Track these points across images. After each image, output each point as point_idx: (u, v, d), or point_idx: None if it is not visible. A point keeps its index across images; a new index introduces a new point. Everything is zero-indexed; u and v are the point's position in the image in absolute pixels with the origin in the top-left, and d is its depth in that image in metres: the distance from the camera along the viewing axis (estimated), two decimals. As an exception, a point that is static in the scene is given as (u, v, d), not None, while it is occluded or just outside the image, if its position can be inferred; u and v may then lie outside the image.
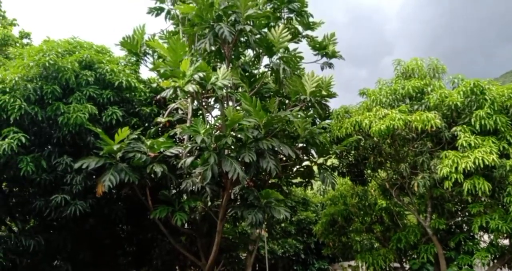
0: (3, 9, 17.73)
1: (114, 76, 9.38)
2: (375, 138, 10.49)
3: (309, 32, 10.76)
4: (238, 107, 9.86)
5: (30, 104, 8.54)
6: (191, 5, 9.02)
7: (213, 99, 10.56)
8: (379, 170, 12.13)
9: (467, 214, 11.14)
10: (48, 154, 8.87)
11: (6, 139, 8.01)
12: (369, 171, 12.17)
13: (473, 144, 9.31)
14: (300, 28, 10.69)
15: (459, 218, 11.74)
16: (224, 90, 9.04)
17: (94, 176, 9.13)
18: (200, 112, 10.84)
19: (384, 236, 13.28)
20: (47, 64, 8.70)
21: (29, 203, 9.40)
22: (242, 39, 9.60)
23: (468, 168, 9.04)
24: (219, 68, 9.14)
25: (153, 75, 10.95)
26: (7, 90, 8.46)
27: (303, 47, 10.81)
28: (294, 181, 12.45)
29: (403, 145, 10.91)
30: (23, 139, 8.14)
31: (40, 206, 8.98)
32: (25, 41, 15.90)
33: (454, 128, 9.83)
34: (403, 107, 10.13)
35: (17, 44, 14.07)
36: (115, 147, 8.50)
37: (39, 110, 8.62)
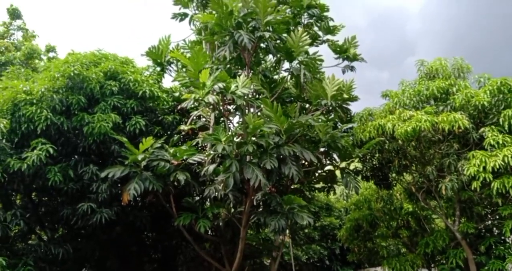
0: (25, 21, 18.42)
1: (138, 86, 9.57)
2: (399, 141, 10.27)
3: (329, 37, 10.71)
4: (259, 113, 9.87)
5: (56, 115, 8.78)
6: (210, 13, 9.11)
7: (234, 106, 10.62)
8: (404, 174, 11.87)
9: (497, 217, 10.76)
10: (74, 164, 9.09)
11: (35, 151, 8.24)
12: (393, 175, 11.92)
13: (501, 143, 9.01)
14: (320, 33, 10.66)
15: (489, 222, 11.35)
16: (245, 98, 9.07)
17: (119, 184, 9.30)
18: (222, 118, 10.89)
19: (411, 241, 12.96)
20: (72, 75, 8.97)
21: (58, 212, 9.63)
22: (262, 45, 9.63)
23: (497, 167, 8.74)
24: (239, 75, 9.19)
25: (177, 83, 11.11)
26: (34, 101, 8.72)
27: (324, 51, 10.78)
28: (317, 186, 12.32)
29: (429, 147, 10.65)
30: (51, 150, 8.37)
31: (68, 214, 9.19)
32: (51, 54, 16.44)
33: (482, 129, 9.54)
34: (429, 109, 9.90)
35: (43, 57, 14.54)
36: (140, 156, 8.64)
37: (65, 120, 8.85)
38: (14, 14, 17.80)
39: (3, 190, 8.97)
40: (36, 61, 11.36)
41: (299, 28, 9.73)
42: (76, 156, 9.29)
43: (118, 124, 9.11)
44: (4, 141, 8.41)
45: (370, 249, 13.75)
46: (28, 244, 10.34)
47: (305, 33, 9.37)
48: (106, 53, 10.42)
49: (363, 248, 13.80)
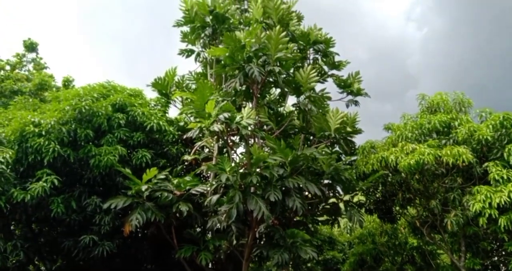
0: (39, 54, 18.93)
1: (146, 119, 9.71)
2: (402, 174, 10.28)
3: (334, 71, 11.00)
4: (263, 145, 9.95)
5: (63, 147, 8.87)
6: (222, 47, 9.38)
7: (238, 136, 10.74)
8: (408, 207, 11.78)
9: (503, 253, 10.58)
10: (78, 195, 9.08)
11: (40, 182, 8.27)
12: (397, 208, 11.84)
13: (506, 178, 9.02)
14: (326, 67, 10.95)
15: (496, 258, 11.13)
16: (250, 128, 9.18)
17: (121, 216, 9.24)
18: (226, 149, 10.97)
19: (416, 277, 12.68)
20: (83, 110, 9.13)
21: (58, 243, 9.51)
22: (270, 79, 9.87)
23: (503, 203, 8.70)
24: (244, 107, 9.34)
25: (182, 114, 11.27)
26: (43, 133, 8.83)
27: (327, 83, 11.06)
28: (320, 218, 12.20)
29: (433, 181, 10.64)
30: (56, 182, 8.39)
31: (69, 246, 9.07)
32: (56, 84, 16.70)
33: (486, 164, 9.57)
34: (431, 142, 9.98)
35: (54, 89, 14.81)
36: (143, 187, 8.65)
37: (72, 152, 8.92)
38: (30, 47, 18.33)
39: (5, 220, 8.91)
40: (46, 93, 11.59)
41: (306, 63, 10.01)
42: (80, 187, 9.28)
43: (124, 157, 9.17)
44: (9, 171, 8.42)
45: (375, 285, 13.42)
46: (26, 275, 10.15)
47: (314, 70, 9.62)
48: (115, 84, 10.66)
49: (367, 283, 13.47)
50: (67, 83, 14.73)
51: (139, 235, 10.69)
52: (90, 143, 9.12)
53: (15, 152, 8.54)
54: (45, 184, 8.26)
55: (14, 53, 18.58)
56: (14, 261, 9.20)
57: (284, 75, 9.53)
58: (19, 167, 8.87)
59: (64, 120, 9.23)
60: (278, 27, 9.18)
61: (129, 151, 9.43)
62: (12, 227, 9.74)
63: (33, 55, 18.69)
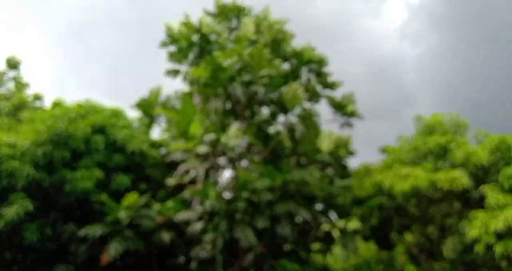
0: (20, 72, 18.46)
1: (127, 142, 9.19)
2: (398, 199, 9.84)
3: (328, 90, 10.73)
4: (251, 167, 9.50)
5: (38, 170, 8.38)
6: (204, 67, 9.06)
7: (225, 158, 10.28)
8: (405, 233, 11.30)
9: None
10: (53, 221, 8.56)
11: (14, 207, 7.77)
12: (394, 234, 11.34)
13: (501, 203, 8.66)
14: (319, 87, 10.69)
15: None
16: (236, 150, 8.77)
17: (99, 244, 8.67)
18: (211, 172, 10.51)
19: (415, 306, 12.07)
20: (59, 131, 8.66)
21: (32, 271, 8.92)
22: (256, 98, 9.52)
23: (499, 229, 8.32)
24: (230, 127, 8.95)
25: (165, 136, 10.84)
26: (18, 155, 8.35)
27: (321, 105, 10.84)
28: (313, 247, 11.63)
29: (429, 206, 10.20)
30: (30, 207, 7.89)
31: (43, 276, 8.48)
32: (37, 103, 16.22)
33: (482, 187, 9.19)
34: (427, 165, 9.59)
35: (31, 107, 14.32)
36: (123, 214, 8.14)
37: (47, 176, 8.44)
38: (13, 65, 17.86)
39: (-24, 247, 8.34)
40: (25, 113, 11.15)
41: (299, 83, 9.74)
42: (55, 213, 8.74)
43: (102, 181, 8.66)
44: (-19, 195, 7.91)
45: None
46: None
47: (301, 88, 9.32)
48: (94, 104, 10.18)
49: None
50: (37, 98, 14.30)
51: (119, 264, 10.06)
52: (66, 167, 8.61)
53: (-12, 176, 8.03)
54: (19, 211, 7.75)
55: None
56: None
57: (272, 93, 9.20)
58: (-8, 190, 8.35)
59: (40, 142, 8.73)
60: (259, 45, 8.94)
61: (108, 174, 8.90)
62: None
63: (14, 73, 18.21)
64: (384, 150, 11.20)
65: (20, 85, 15.98)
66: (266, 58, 8.73)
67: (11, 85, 16.26)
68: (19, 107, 13.45)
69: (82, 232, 8.10)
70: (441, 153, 10.20)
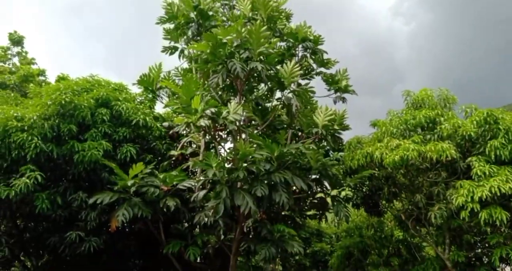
0: (24, 47, 18.61)
1: (132, 114, 9.62)
2: (388, 169, 10.38)
3: (323, 69, 11.02)
4: (250, 140, 9.95)
5: (46, 142, 8.76)
6: (204, 43, 9.30)
7: (225, 132, 10.71)
8: (394, 201, 11.92)
9: (486, 245, 10.78)
10: (63, 190, 9.02)
11: (23, 178, 8.18)
12: (384, 202, 11.97)
13: (488, 173, 9.15)
14: (314, 65, 10.96)
15: (479, 250, 11.35)
16: (236, 124, 9.16)
17: (107, 211, 9.19)
18: (213, 145, 10.96)
19: (402, 269, 12.86)
20: (64, 102, 9.00)
21: (43, 238, 9.44)
22: (254, 74, 9.83)
23: (484, 197, 8.85)
24: (230, 102, 9.32)
25: (168, 109, 11.20)
26: (26, 128, 8.71)
27: (316, 81, 11.11)
28: (308, 213, 12.30)
29: (418, 176, 10.75)
30: (39, 178, 8.31)
31: (55, 242, 9.02)
32: (41, 78, 16.48)
33: (469, 159, 9.70)
34: (416, 138, 10.07)
35: (35, 82, 14.57)
36: (129, 182, 8.61)
37: (55, 148, 8.83)
38: (16, 40, 17.95)
39: (-11, 216, 8.81)
40: (31, 84, 11.42)
41: (294, 60, 9.98)
42: (65, 183, 9.21)
43: (109, 152, 9.10)
44: (-8, 166, 8.32)
45: (361, 277, 13.61)
46: (11, 271, 10.09)
47: (297, 65, 9.60)
48: (99, 79, 10.52)
49: (354, 276, 13.65)
50: (40, 73, 14.54)
51: (126, 230, 10.66)
52: (74, 138, 9.01)
53: (-1, 148, 8.42)
54: (28, 180, 8.17)
55: (-1, 46, 18.25)
56: (-1, 257, 9.13)
57: (269, 71, 9.49)
58: (2, 162, 8.76)
59: (47, 115, 9.10)
60: (258, 21, 9.13)
61: (114, 146, 9.34)
62: (-4, 223, 9.64)
63: (18, 48, 18.36)
64: (374, 124, 11.64)
65: (25, 61, 16.13)
66: (265, 35, 8.98)
67: (15, 61, 16.40)
68: (24, 81, 13.68)
69: (92, 199, 8.57)
70: (430, 126, 10.68)
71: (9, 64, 17.94)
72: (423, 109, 10.84)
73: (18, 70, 16.42)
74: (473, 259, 11.46)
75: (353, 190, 11.60)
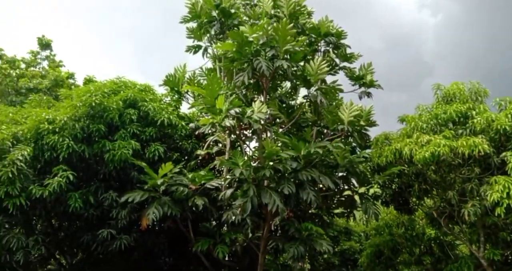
0: (53, 51, 19.26)
1: (157, 114, 9.79)
2: (419, 165, 10.12)
3: (346, 64, 10.84)
4: (275, 138, 9.92)
5: (77, 143, 9.03)
6: (229, 42, 9.33)
7: (250, 130, 10.72)
8: (425, 198, 11.62)
9: (524, 243, 10.37)
10: (95, 190, 9.26)
11: (56, 178, 8.45)
12: (414, 199, 11.68)
13: (524, 168, 8.80)
14: (337, 60, 10.80)
15: (516, 248, 10.92)
16: (261, 122, 9.15)
17: (137, 210, 9.38)
18: (238, 143, 10.99)
19: (435, 268, 12.54)
20: (94, 104, 9.26)
21: (77, 237, 9.73)
22: (280, 72, 9.79)
23: (520, 193, 8.54)
24: (255, 101, 9.32)
25: (194, 109, 11.34)
26: (57, 130, 8.99)
27: (339, 76, 10.92)
28: (336, 211, 12.16)
29: (449, 172, 10.44)
30: (71, 177, 8.56)
31: (88, 240, 9.28)
32: (70, 81, 17.01)
33: (503, 154, 9.34)
34: (447, 133, 9.78)
35: (65, 85, 15.07)
36: (159, 181, 8.76)
37: (86, 148, 9.08)
38: (44, 44, 18.65)
39: (25, 216, 9.13)
40: (61, 89, 11.84)
41: (316, 56, 9.86)
42: (96, 182, 9.45)
43: (138, 151, 9.29)
44: (27, 168, 8.62)
45: (392, 276, 13.35)
46: (48, 269, 10.44)
47: (324, 62, 9.48)
48: (126, 80, 10.75)
49: (385, 275, 13.40)
50: (88, 82, 14.98)
51: (156, 228, 10.84)
52: (104, 138, 9.26)
53: (32, 150, 8.72)
54: (61, 179, 8.44)
55: (28, 50, 18.98)
56: (36, 256, 9.47)
57: (294, 68, 9.42)
58: (36, 164, 9.07)
59: (77, 117, 9.38)
60: (284, 19, 9.06)
61: (142, 146, 9.54)
62: (32, 223, 9.98)
63: (47, 52, 19.02)
64: (402, 119, 11.36)
65: (54, 64, 16.68)
66: (291, 33, 8.90)
67: (44, 65, 17.00)
68: (54, 84, 14.16)
69: (123, 198, 8.76)
70: (461, 121, 10.34)
71: (39, 68, 18.64)
72: (454, 103, 10.51)
73: (48, 73, 17.03)
74: (510, 257, 11.06)
75: (381, 188, 11.37)
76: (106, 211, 9.20)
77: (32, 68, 18.57)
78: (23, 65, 18.63)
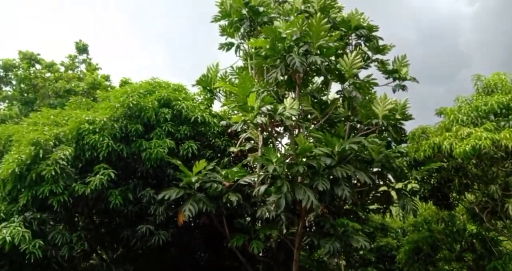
0: (89, 55, 20.00)
1: (190, 112, 9.99)
2: (459, 159, 9.77)
3: (379, 56, 10.60)
4: (308, 134, 9.86)
5: (116, 142, 9.34)
6: (262, 39, 9.33)
7: (282, 127, 10.70)
8: (465, 193, 11.22)
9: None
10: (133, 187, 9.55)
11: (97, 176, 8.77)
12: (454, 195, 11.30)
13: None
14: (369, 52, 10.58)
15: None
16: (293, 118, 9.12)
17: (173, 206, 9.62)
18: (270, 140, 11.01)
19: (477, 265, 12.11)
20: (131, 105, 9.55)
21: (117, 233, 10.08)
22: (313, 67, 9.71)
23: None
24: (286, 97, 9.29)
25: (226, 107, 11.47)
26: (97, 130, 9.34)
27: (371, 69, 10.70)
28: (371, 207, 11.95)
29: (491, 165, 10.03)
30: (112, 175, 8.86)
31: (128, 236, 9.60)
32: (106, 83, 17.61)
33: (551, 145, 8.85)
34: (488, 125, 9.38)
35: (101, 87, 15.64)
36: (193, 179, 8.93)
37: (124, 147, 9.38)
38: (81, 48, 19.43)
39: (69, 213, 9.55)
40: (98, 91, 12.30)
41: (347, 49, 9.70)
42: (134, 180, 9.75)
43: (173, 149, 9.50)
44: (69, 167, 9.00)
45: (432, 273, 13.00)
46: (90, 264, 10.88)
47: (358, 56, 9.32)
48: (160, 81, 11.01)
49: (424, 272, 13.06)
50: (125, 84, 15.51)
51: (192, 225, 11.06)
52: (141, 138, 9.53)
53: (74, 150, 9.09)
54: (102, 177, 8.76)
55: (66, 55, 19.81)
56: (79, 251, 9.89)
57: (326, 63, 9.31)
58: (78, 163, 9.45)
59: (115, 117, 9.70)
60: (319, 14, 8.95)
61: (176, 144, 9.77)
62: (75, 219, 10.43)
63: (84, 56, 19.78)
64: (440, 112, 11.00)
65: (91, 67, 17.32)
66: (325, 28, 8.79)
67: (82, 68, 17.69)
68: (91, 87, 14.73)
69: (160, 196, 9.00)
70: (504, 112, 9.90)
71: (77, 72, 19.41)
72: (495, 94, 10.08)
73: (85, 76, 17.72)
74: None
75: (419, 183, 11.07)
76: (144, 208, 9.48)
77: (70, 71, 19.36)
78: (62, 69, 19.48)
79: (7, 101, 18.56)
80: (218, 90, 11.07)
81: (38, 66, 19.04)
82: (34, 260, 8.01)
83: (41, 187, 8.49)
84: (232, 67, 11.27)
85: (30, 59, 18.74)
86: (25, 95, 18.41)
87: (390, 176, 10.07)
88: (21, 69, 18.66)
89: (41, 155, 8.64)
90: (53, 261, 9.12)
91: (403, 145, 10.58)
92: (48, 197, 8.54)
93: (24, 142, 8.84)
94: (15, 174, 8.49)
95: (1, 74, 18.73)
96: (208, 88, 10.94)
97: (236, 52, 11.27)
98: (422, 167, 9.75)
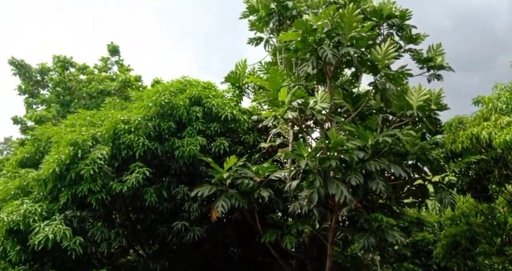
0: (121, 57, 20.51)
1: (220, 109, 10.09)
2: (498, 150, 9.38)
3: (412, 46, 10.31)
4: (339, 127, 9.73)
5: (150, 141, 9.56)
6: (292, 32, 9.24)
7: (312, 121, 10.60)
8: (506, 185, 10.77)
9: None
10: (167, 185, 9.76)
11: (133, 174, 9.01)
12: (494, 186, 10.87)
13: None
14: (402, 42, 10.31)
15: None
16: (324, 112, 9.01)
17: (206, 203, 9.75)
18: (301, 135, 10.94)
19: (520, 259, 11.64)
20: (163, 103, 9.74)
21: (153, 229, 10.33)
22: (344, 59, 9.55)
23: None
24: (317, 91, 9.18)
25: (254, 103, 11.49)
26: (132, 129, 9.58)
27: (404, 59, 10.41)
28: (406, 201, 11.68)
29: (534, 155, 9.56)
30: (147, 173, 9.08)
31: (164, 232, 9.82)
32: (138, 83, 18.03)
33: None
34: (530, 113, 8.97)
35: (134, 87, 16.03)
36: (225, 175, 9.01)
37: (158, 146, 9.59)
38: (113, 50, 19.98)
39: (106, 210, 9.86)
40: (129, 89, 12.65)
41: (379, 39, 9.47)
42: (168, 177, 9.95)
43: (204, 146, 9.63)
44: (106, 166, 9.28)
45: (471, 268, 12.60)
46: (128, 259, 11.20)
47: (392, 46, 9.09)
48: (190, 79, 11.17)
49: (463, 266, 12.66)
50: (157, 84, 15.85)
51: (225, 221, 11.18)
52: (173, 136, 9.70)
53: (110, 149, 9.37)
54: (138, 175, 8.99)
55: (99, 57, 20.40)
56: (116, 247, 10.20)
57: (358, 54, 9.12)
58: (114, 162, 9.73)
59: (149, 116, 9.92)
60: (351, 4, 8.76)
61: (208, 141, 9.87)
62: (113, 216, 10.76)
63: (116, 58, 20.32)
64: (477, 101, 10.57)
65: (123, 69, 17.79)
66: (357, 19, 8.62)
67: (115, 70, 18.20)
68: (123, 87, 15.14)
69: (193, 193, 9.15)
70: (548, 99, 9.43)
71: (110, 73, 19.97)
72: (538, 80, 9.58)
73: (118, 77, 18.20)
74: None
75: (457, 175, 10.71)
76: (179, 205, 9.66)
77: (103, 73, 19.94)
78: (96, 71, 20.09)
79: (45, 104, 19.34)
80: (246, 86, 11.08)
81: (72, 69, 19.74)
82: (75, 257, 8.32)
83: (80, 186, 8.82)
84: (260, 62, 11.26)
85: (63, 62, 19.45)
86: (61, 97, 19.13)
87: (426, 169, 9.79)
88: (56, 73, 19.40)
89: (79, 155, 8.97)
90: (93, 257, 9.46)
91: (439, 136, 10.25)
92: (87, 195, 8.85)
93: (63, 143, 9.19)
94: (55, 174, 8.86)
95: (38, 78, 19.53)
96: (237, 84, 10.99)
97: (265, 46, 11.27)
98: (460, 159, 9.42)
